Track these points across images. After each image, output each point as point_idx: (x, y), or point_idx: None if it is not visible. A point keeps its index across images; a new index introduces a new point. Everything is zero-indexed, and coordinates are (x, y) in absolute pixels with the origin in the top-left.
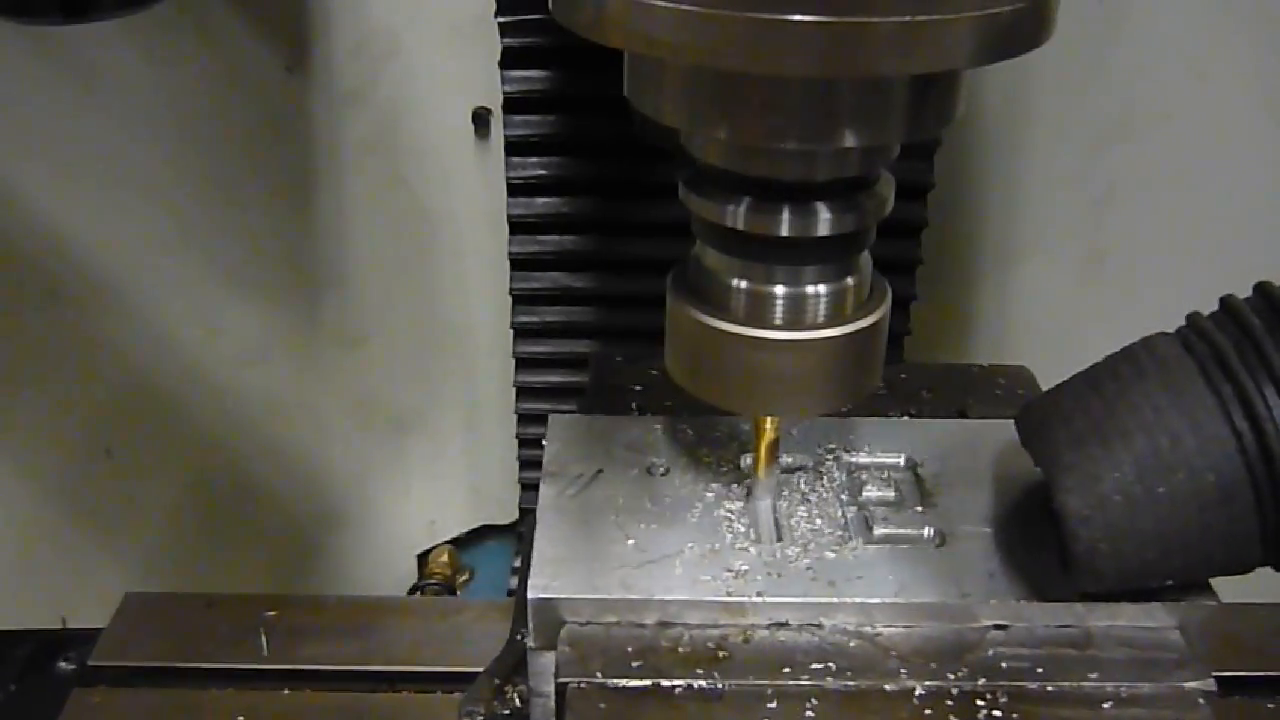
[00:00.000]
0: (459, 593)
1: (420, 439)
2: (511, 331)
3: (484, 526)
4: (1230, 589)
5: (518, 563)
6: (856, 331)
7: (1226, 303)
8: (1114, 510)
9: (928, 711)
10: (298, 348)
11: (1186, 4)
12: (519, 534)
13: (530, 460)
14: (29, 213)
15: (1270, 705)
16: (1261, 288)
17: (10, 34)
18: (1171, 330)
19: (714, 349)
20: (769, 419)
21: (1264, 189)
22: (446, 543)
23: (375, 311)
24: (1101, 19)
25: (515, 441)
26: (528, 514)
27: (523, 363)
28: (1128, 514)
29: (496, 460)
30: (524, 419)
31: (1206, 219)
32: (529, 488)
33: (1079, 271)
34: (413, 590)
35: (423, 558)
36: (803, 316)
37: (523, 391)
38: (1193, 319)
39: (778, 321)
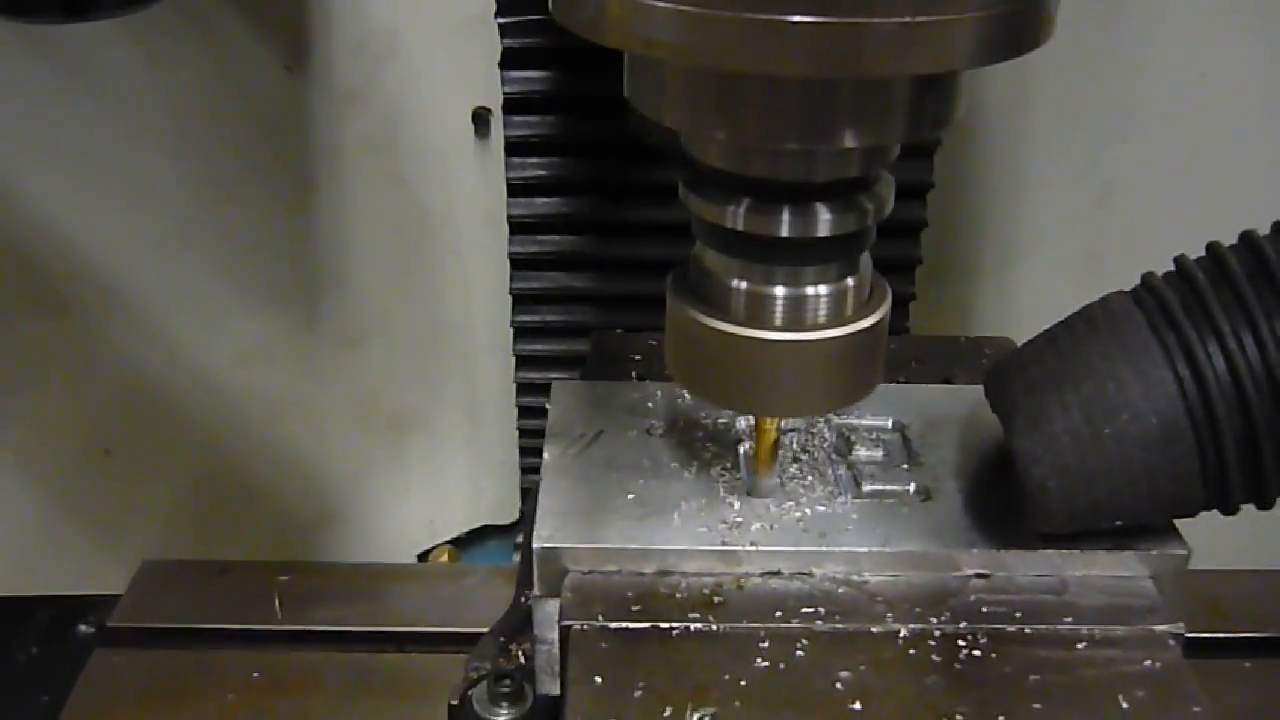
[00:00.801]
0: None
1: (420, 439)
2: (511, 331)
3: (484, 526)
4: (1213, 556)
5: (518, 557)
6: (856, 332)
7: (1178, 262)
8: (1063, 450)
9: (911, 651)
10: (298, 347)
11: (1186, 4)
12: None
13: (531, 467)
14: (27, 213)
15: (1247, 664)
16: (1211, 248)
17: (9, 33)
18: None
19: (714, 350)
20: (769, 419)
21: (1264, 188)
22: (447, 542)
23: (375, 311)
24: (1101, 19)
25: (516, 441)
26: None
27: (523, 361)
28: (1076, 453)
29: (497, 460)
30: (525, 413)
31: (1206, 219)
32: (530, 488)
33: (1078, 271)
34: None
35: (423, 557)
36: (803, 317)
37: (523, 390)
38: (1146, 278)
39: (778, 322)
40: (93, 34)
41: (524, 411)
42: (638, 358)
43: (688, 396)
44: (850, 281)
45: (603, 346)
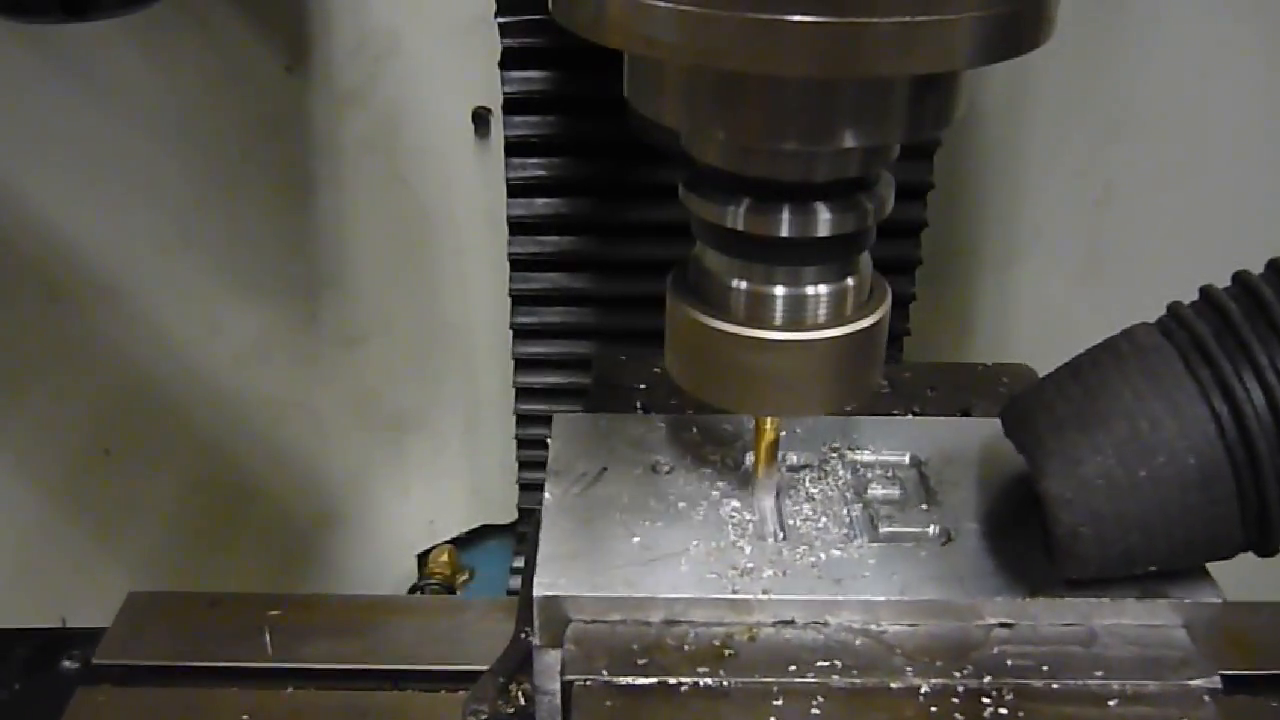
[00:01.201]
0: (459, 592)
1: (420, 439)
2: (511, 332)
3: (484, 526)
4: (1236, 588)
5: (517, 562)
6: (856, 332)
7: (1206, 292)
8: (1096, 494)
9: (933, 709)
10: (297, 347)
11: (1186, 4)
12: (519, 534)
13: (530, 461)
14: (28, 212)
15: (1275, 704)
16: (1239, 277)
17: (10, 33)
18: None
19: (714, 350)
20: (769, 419)
21: (1263, 189)
22: (446, 542)
23: (375, 311)
24: (1102, 19)
25: (515, 441)
26: (529, 513)
27: (522, 363)
28: (1109, 497)
29: (496, 460)
30: (523, 419)
31: (1206, 219)
32: (528, 487)
33: (1078, 271)
34: (412, 590)
35: (423, 557)
36: (803, 317)
37: (522, 392)
38: (1173, 308)
39: (778, 322)
40: (93, 34)
41: (522, 414)
42: (642, 386)
43: (694, 431)
44: (850, 281)
45: (605, 373)
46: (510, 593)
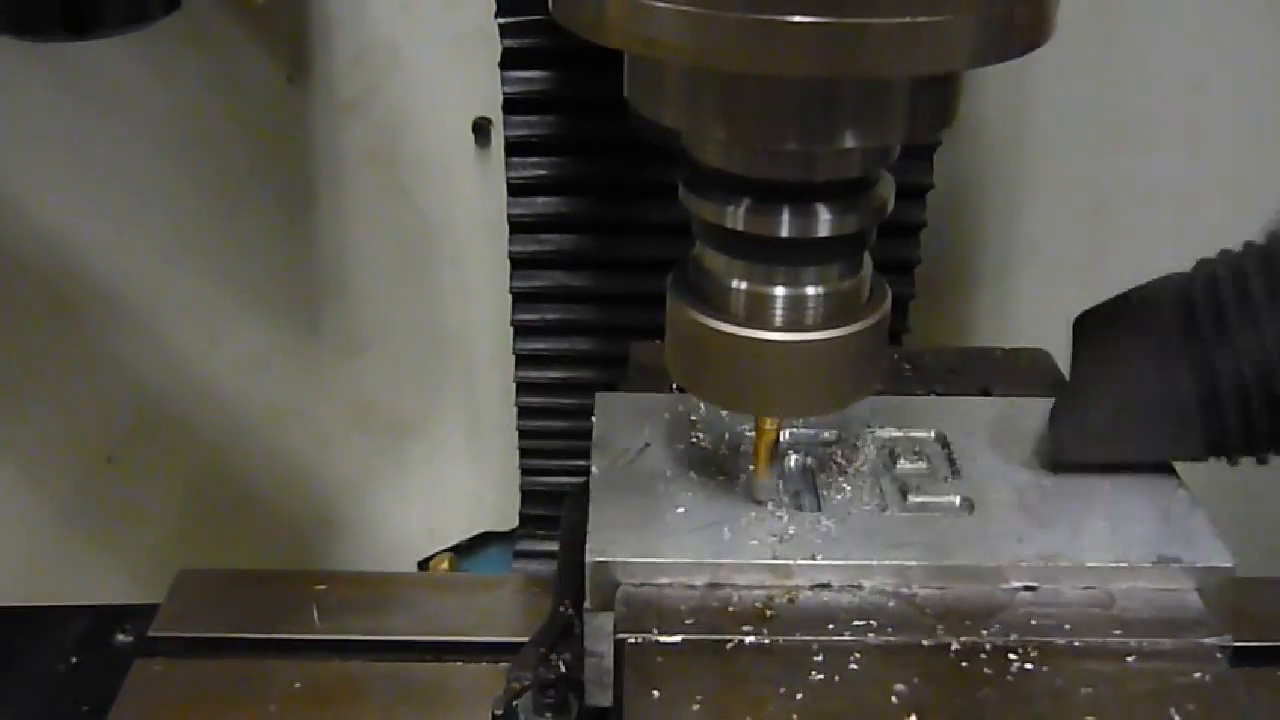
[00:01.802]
0: None
1: (421, 446)
2: (511, 330)
3: (484, 534)
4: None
5: (518, 566)
6: (856, 332)
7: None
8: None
9: (963, 664)
10: (299, 355)
11: (1186, 12)
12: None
13: (530, 469)
14: (31, 222)
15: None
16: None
17: (13, 45)
18: None
19: (714, 350)
20: (769, 419)
21: (1263, 197)
22: (447, 550)
23: (376, 319)
24: (1102, 23)
25: (516, 449)
26: (530, 519)
27: (523, 360)
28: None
29: (497, 467)
30: (524, 413)
31: (1205, 222)
32: (530, 494)
33: (1078, 274)
34: None
35: (423, 565)
36: (802, 317)
37: (523, 389)
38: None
39: (777, 322)
40: (96, 45)
41: (524, 411)
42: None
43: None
44: (850, 282)
45: (642, 359)
46: None
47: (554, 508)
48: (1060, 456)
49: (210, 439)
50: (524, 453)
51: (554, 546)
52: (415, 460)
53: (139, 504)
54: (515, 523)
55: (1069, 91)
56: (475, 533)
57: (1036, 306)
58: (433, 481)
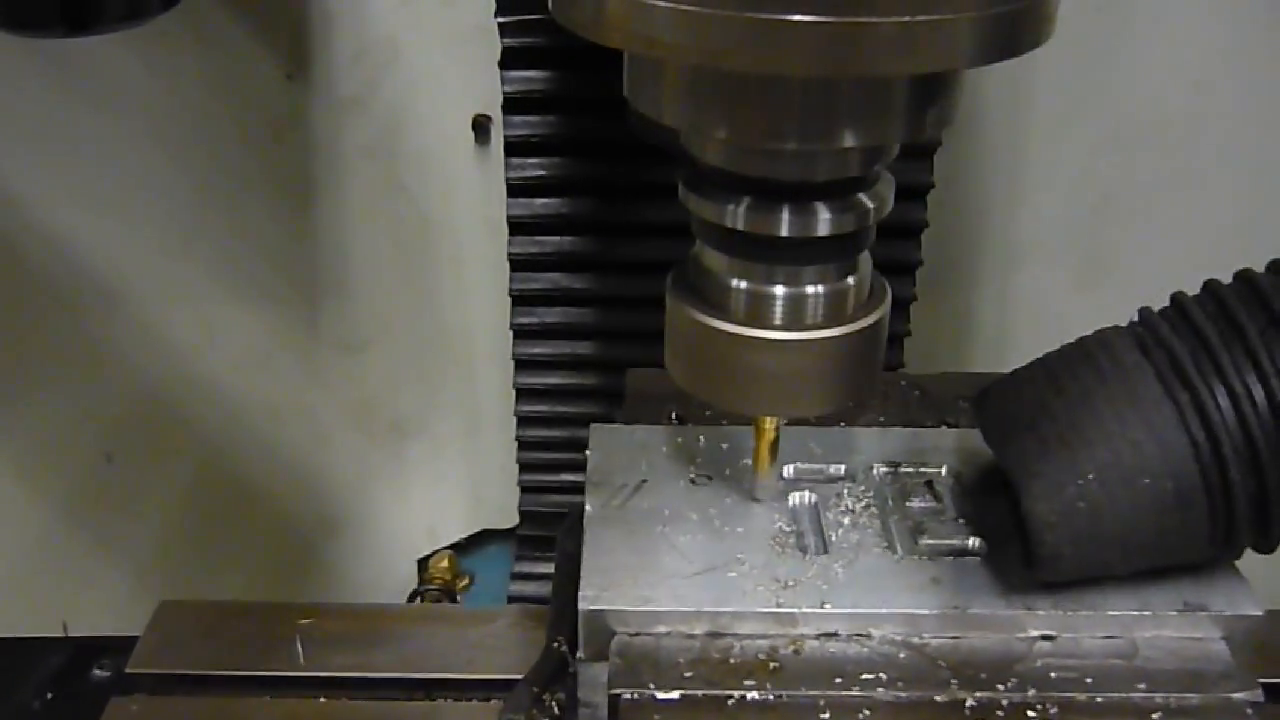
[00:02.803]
0: (459, 598)
1: (420, 444)
2: (511, 333)
3: (484, 531)
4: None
5: (519, 567)
6: (856, 332)
7: (1179, 303)
8: (1079, 517)
9: None
10: (298, 353)
11: (1185, 11)
12: (519, 538)
13: (530, 463)
14: (30, 219)
15: None
16: (1212, 291)
17: (12, 41)
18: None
19: (713, 349)
20: (769, 419)
21: (1262, 195)
22: (446, 548)
23: (375, 317)
24: (1102, 23)
25: (515, 446)
26: (530, 516)
27: (522, 364)
28: (1091, 519)
29: (496, 465)
30: (523, 420)
31: (1205, 225)
32: (529, 490)
33: (1078, 274)
34: (412, 596)
35: (423, 563)
36: (802, 317)
37: (522, 393)
38: (1146, 318)
39: (777, 322)
40: (95, 42)
41: (523, 415)
42: (675, 398)
43: (730, 443)
44: (850, 281)
45: (639, 387)
46: (511, 598)
47: (553, 505)
48: (1058, 572)
49: (210, 437)
50: (523, 451)
51: (554, 541)
52: (415, 458)
53: (139, 502)
54: (515, 520)
55: (1069, 91)
56: (475, 530)
57: (1037, 306)
58: (432, 479)
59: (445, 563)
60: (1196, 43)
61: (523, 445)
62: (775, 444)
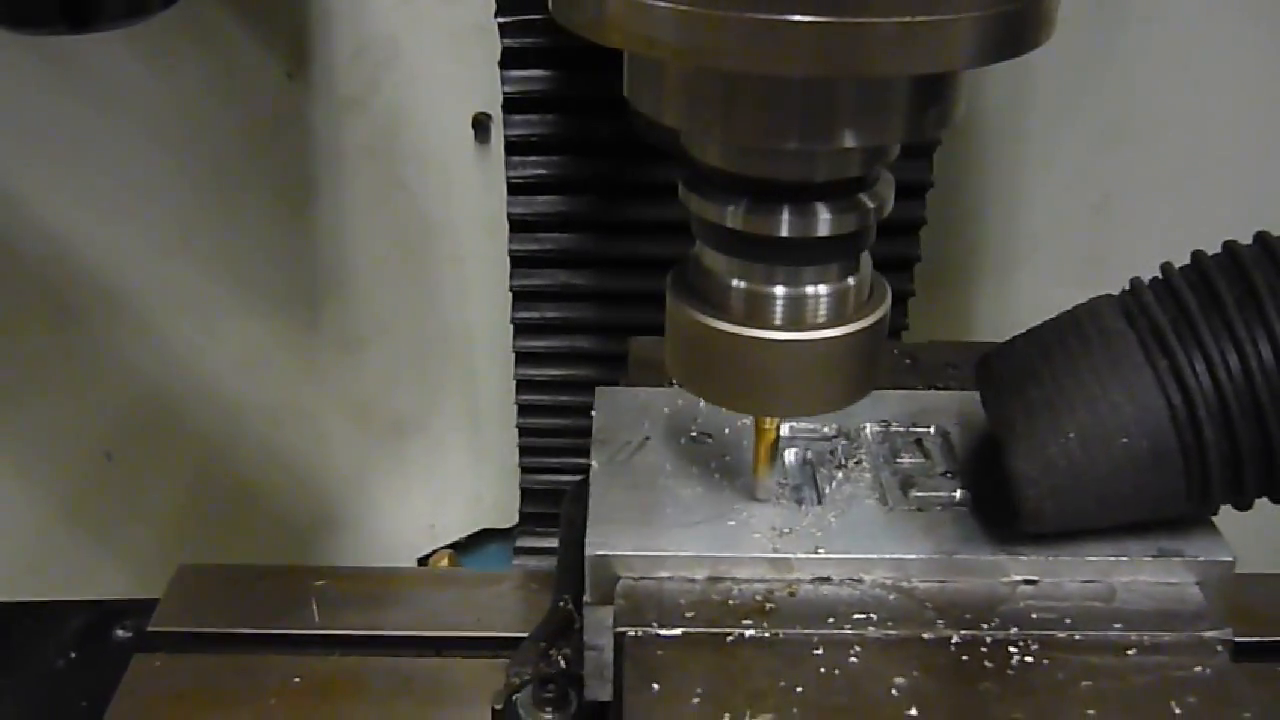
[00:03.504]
0: None
1: (420, 443)
2: (511, 333)
3: (484, 531)
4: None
5: (517, 564)
6: (856, 332)
7: (1165, 273)
8: (1059, 474)
9: (964, 657)
10: (298, 352)
11: (1186, 8)
12: (518, 536)
13: (530, 466)
14: (29, 219)
15: None
16: (1196, 257)
17: (12, 40)
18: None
19: (713, 349)
20: (769, 419)
21: (1262, 194)
22: (446, 547)
23: (375, 316)
24: (1101, 22)
25: (516, 446)
26: (530, 517)
27: (523, 359)
28: (1071, 476)
29: (497, 464)
30: (524, 409)
31: (1205, 222)
32: (530, 492)
33: (1077, 272)
34: None
35: (423, 561)
36: (802, 317)
37: (523, 387)
38: (1135, 287)
39: (777, 322)
40: (94, 41)
41: (524, 409)
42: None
43: None
44: (850, 281)
45: (641, 353)
46: None
47: (554, 505)
48: (1041, 524)
49: (210, 435)
50: (524, 450)
51: (554, 544)
52: (415, 457)
53: (138, 500)
54: (515, 520)
55: (1069, 90)
56: (475, 529)
57: (1036, 303)
58: (432, 478)
59: (445, 561)
60: (1196, 42)
61: (523, 433)
62: (775, 444)
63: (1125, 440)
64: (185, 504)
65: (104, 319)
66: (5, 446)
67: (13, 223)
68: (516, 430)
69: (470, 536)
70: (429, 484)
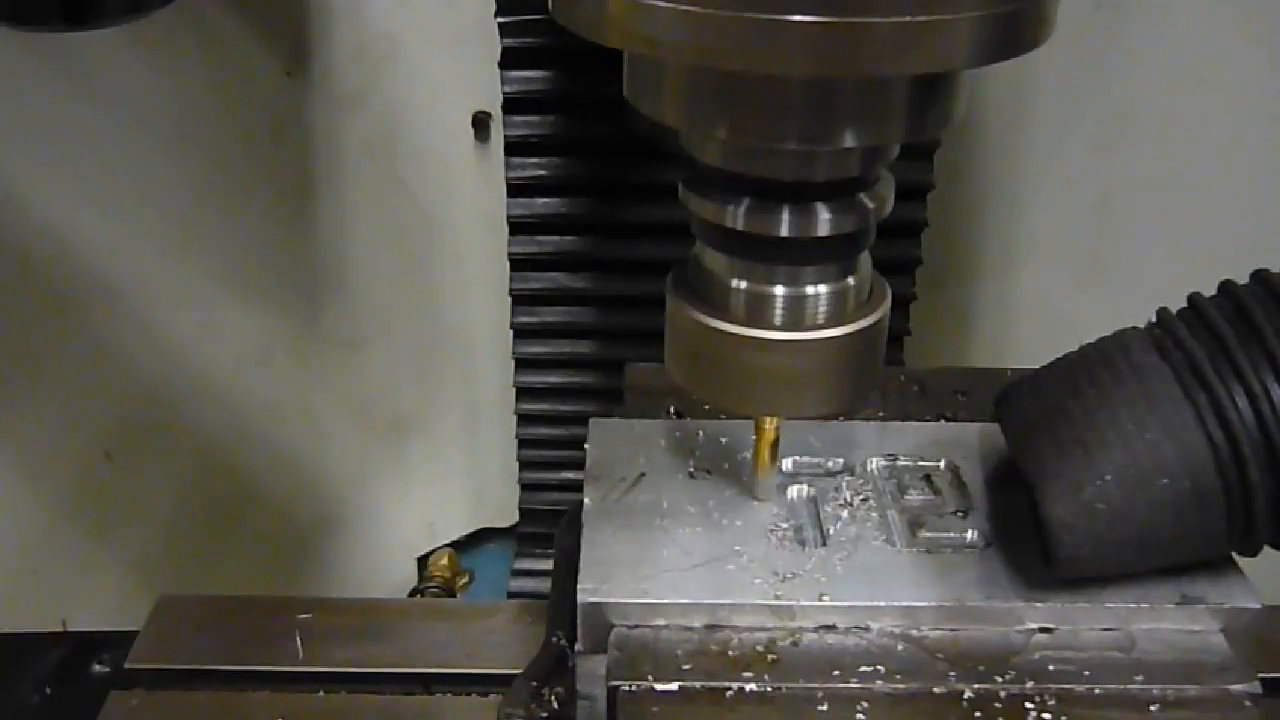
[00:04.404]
0: (459, 596)
1: (420, 442)
2: (511, 333)
3: (483, 529)
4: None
5: (519, 564)
6: (856, 332)
7: (1196, 304)
8: (1097, 518)
9: (977, 714)
10: (298, 350)
11: (1186, 8)
12: (519, 535)
13: (531, 460)
14: (29, 217)
15: None
16: (1230, 292)
17: (10, 38)
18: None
19: (714, 349)
20: (769, 419)
21: (1262, 192)
22: (446, 546)
23: (375, 314)
24: (1101, 23)
25: (515, 444)
26: (530, 514)
27: (522, 363)
28: (1109, 522)
29: (496, 463)
30: (523, 419)
31: (1205, 222)
32: (530, 487)
33: (1078, 273)
34: (412, 593)
35: (422, 560)
36: (802, 317)
37: (522, 392)
38: (1164, 319)
39: (777, 322)
40: (94, 39)
41: (523, 414)
42: (674, 393)
43: (730, 437)
44: (850, 281)
45: (638, 381)
46: (511, 595)
47: (553, 505)
48: (1077, 571)
49: (209, 434)
50: (523, 450)
51: (553, 537)
52: (415, 456)
53: (138, 499)
54: (515, 519)
55: (1069, 90)
56: (475, 528)
57: (1037, 304)
58: (432, 477)
59: (445, 560)
60: (1196, 42)
61: (523, 444)
62: (775, 444)
63: (1165, 480)
64: (185, 503)
65: (103, 318)
66: (5, 445)
67: (12, 221)
68: (516, 432)
69: (469, 535)
70: (428, 483)
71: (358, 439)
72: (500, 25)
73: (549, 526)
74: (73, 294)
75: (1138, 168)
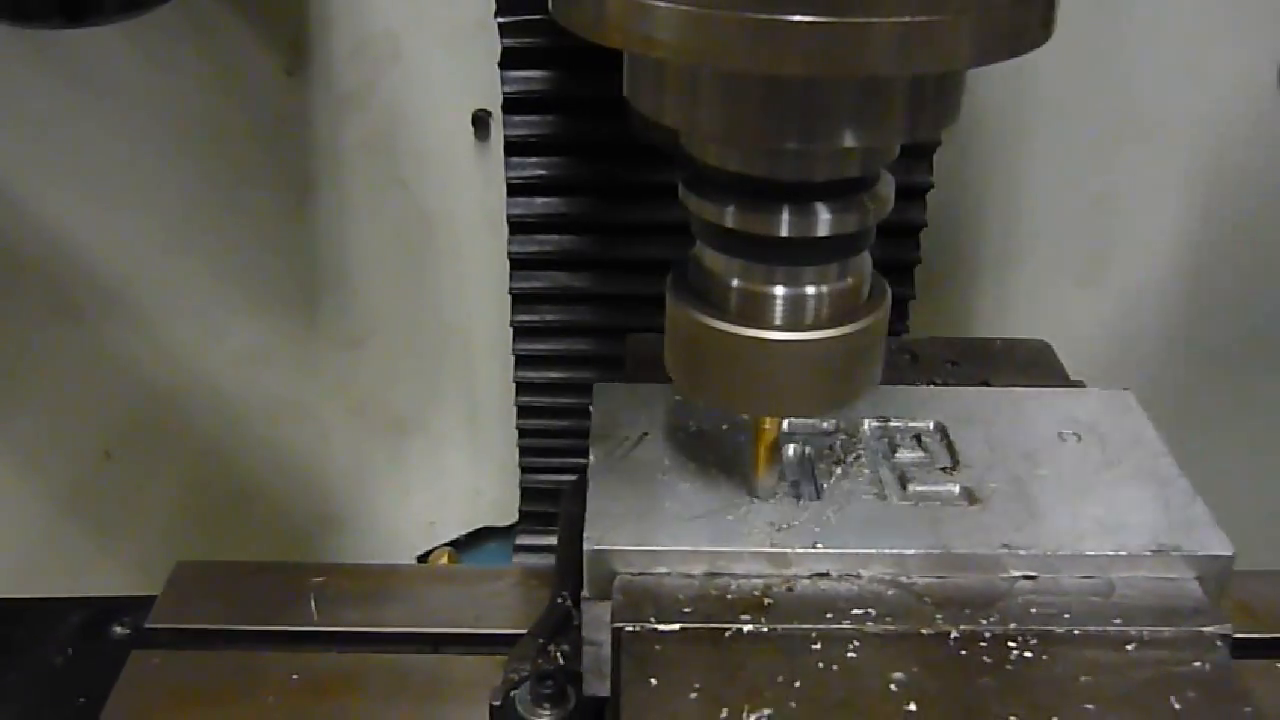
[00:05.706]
0: None
1: (420, 440)
2: (511, 330)
3: (483, 528)
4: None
5: (518, 562)
6: (855, 332)
7: None
8: None
9: (963, 652)
10: (298, 349)
11: (1186, 6)
12: (518, 534)
13: (530, 448)
14: (29, 217)
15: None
16: None
17: (9, 37)
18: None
19: (713, 349)
20: (768, 419)
21: (1262, 192)
22: (446, 545)
23: (375, 313)
24: (1101, 21)
25: (515, 444)
26: (530, 515)
27: (522, 361)
28: None
29: (496, 462)
30: (524, 411)
31: (1205, 222)
32: (529, 490)
33: (1077, 273)
34: None
35: (422, 559)
36: (802, 317)
37: (523, 389)
38: None
39: (777, 322)
40: (93, 37)
41: (523, 411)
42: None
43: None
44: (850, 281)
45: (638, 350)
46: None
47: (553, 504)
48: None
49: (209, 433)
50: (523, 449)
51: (553, 541)
52: (414, 454)
53: (138, 499)
54: (515, 518)
55: (1069, 89)
56: (474, 527)
57: (1036, 304)
58: (432, 476)
59: (445, 559)
60: (1196, 42)
61: (523, 434)
62: (775, 444)
63: None
64: (185, 502)
65: (103, 317)
66: (5, 444)
67: (12, 221)
68: (516, 430)
69: (469, 534)
70: (428, 481)
71: (357, 438)
72: (500, 25)
73: (549, 526)
74: (72, 293)
75: (1137, 168)
